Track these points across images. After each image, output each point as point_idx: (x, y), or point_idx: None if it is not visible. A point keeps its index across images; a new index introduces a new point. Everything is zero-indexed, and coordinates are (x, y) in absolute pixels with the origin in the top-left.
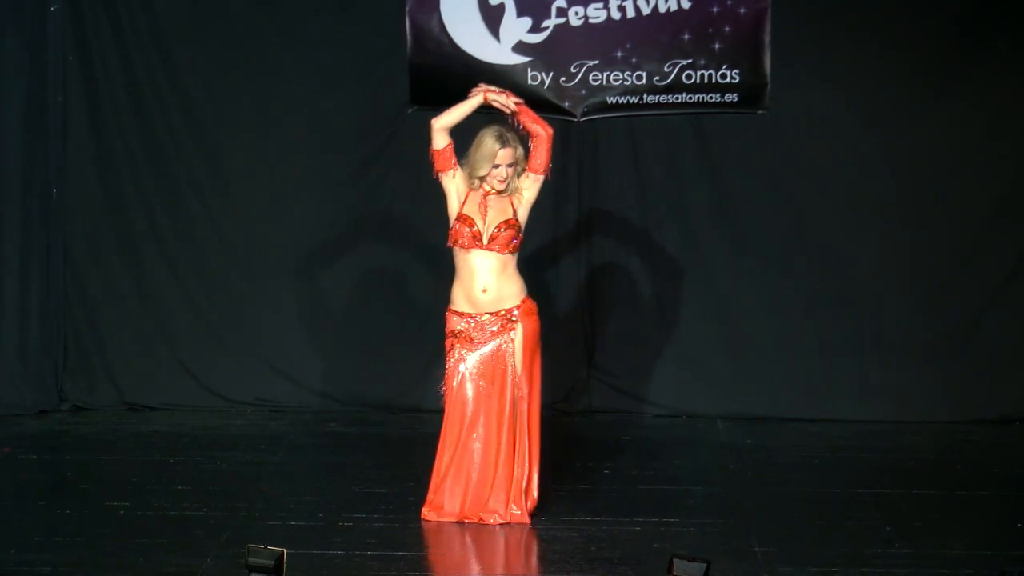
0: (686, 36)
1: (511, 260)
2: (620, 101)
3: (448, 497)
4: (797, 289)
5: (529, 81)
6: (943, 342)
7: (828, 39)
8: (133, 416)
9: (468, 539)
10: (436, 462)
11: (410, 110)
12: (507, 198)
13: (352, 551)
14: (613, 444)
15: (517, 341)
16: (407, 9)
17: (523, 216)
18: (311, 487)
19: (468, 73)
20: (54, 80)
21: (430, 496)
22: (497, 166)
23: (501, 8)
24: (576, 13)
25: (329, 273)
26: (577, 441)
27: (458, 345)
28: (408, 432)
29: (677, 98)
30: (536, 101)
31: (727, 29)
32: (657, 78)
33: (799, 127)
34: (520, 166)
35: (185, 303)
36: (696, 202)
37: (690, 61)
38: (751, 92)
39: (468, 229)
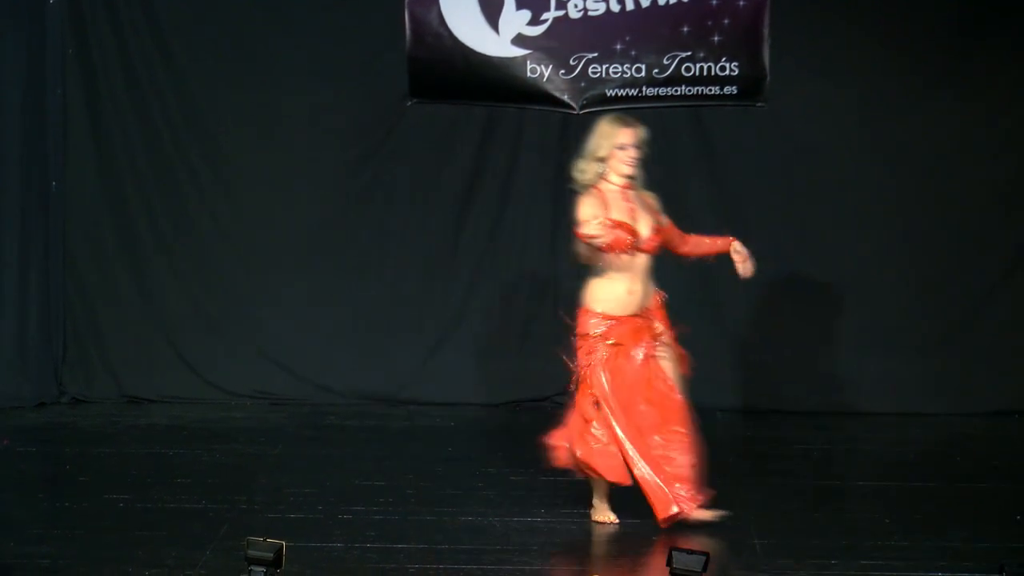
0: (685, 28)
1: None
2: (619, 94)
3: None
4: (796, 282)
5: (528, 74)
6: (942, 334)
7: (827, 32)
8: (132, 409)
9: (468, 532)
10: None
11: (409, 103)
12: (646, 199)
13: (351, 543)
14: None
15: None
16: (406, 2)
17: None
18: (310, 480)
19: (467, 66)
20: (53, 73)
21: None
22: (623, 147)
23: (500, 1)
24: (575, 5)
25: (328, 265)
26: None
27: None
28: (407, 425)
29: (676, 91)
30: (535, 94)
31: (726, 22)
32: (656, 71)
33: (798, 119)
34: (644, 154)
35: (184, 296)
36: (695, 194)
37: (689, 54)
38: (750, 84)
39: (624, 233)
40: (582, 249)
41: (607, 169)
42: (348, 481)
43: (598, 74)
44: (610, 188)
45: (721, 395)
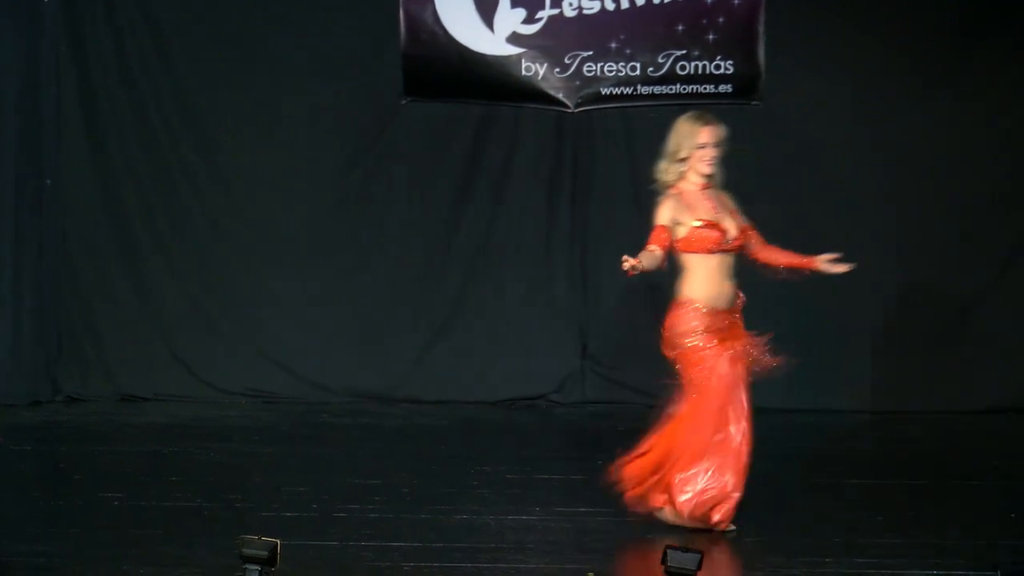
0: (680, 27)
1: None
2: (614, 92)
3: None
4: (794, 281)
5: (523, 72)
6: (936, 332)
7: (823, 30)
8: (127, 407)
9: (463, 530)
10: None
11: (404, 101)
12: (723, 199)
13: (346, 542)
14: (607, 435)
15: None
16: (401, 0)
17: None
18: (305, 478)
19: (462, 64)
20: (48, 71)
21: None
22: (703, 146)
23: None
24: (570, 4)
25: (323, 264)
26: (571, 432)
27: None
28: (402, 423)
29: (671, 89)
30: (530, 92)
31: (721, 20)
32: (651, 69)
33: (793, 118)
34: (723, 150)
35: (179, 294)
36: None
37: (684, 52)
38: (745, 83)
39: (713, 231)
40: (657, 252)
41: (687, 169)
42: (343, 479)
43: (593, 72)
44: (690, 188)
45: None
